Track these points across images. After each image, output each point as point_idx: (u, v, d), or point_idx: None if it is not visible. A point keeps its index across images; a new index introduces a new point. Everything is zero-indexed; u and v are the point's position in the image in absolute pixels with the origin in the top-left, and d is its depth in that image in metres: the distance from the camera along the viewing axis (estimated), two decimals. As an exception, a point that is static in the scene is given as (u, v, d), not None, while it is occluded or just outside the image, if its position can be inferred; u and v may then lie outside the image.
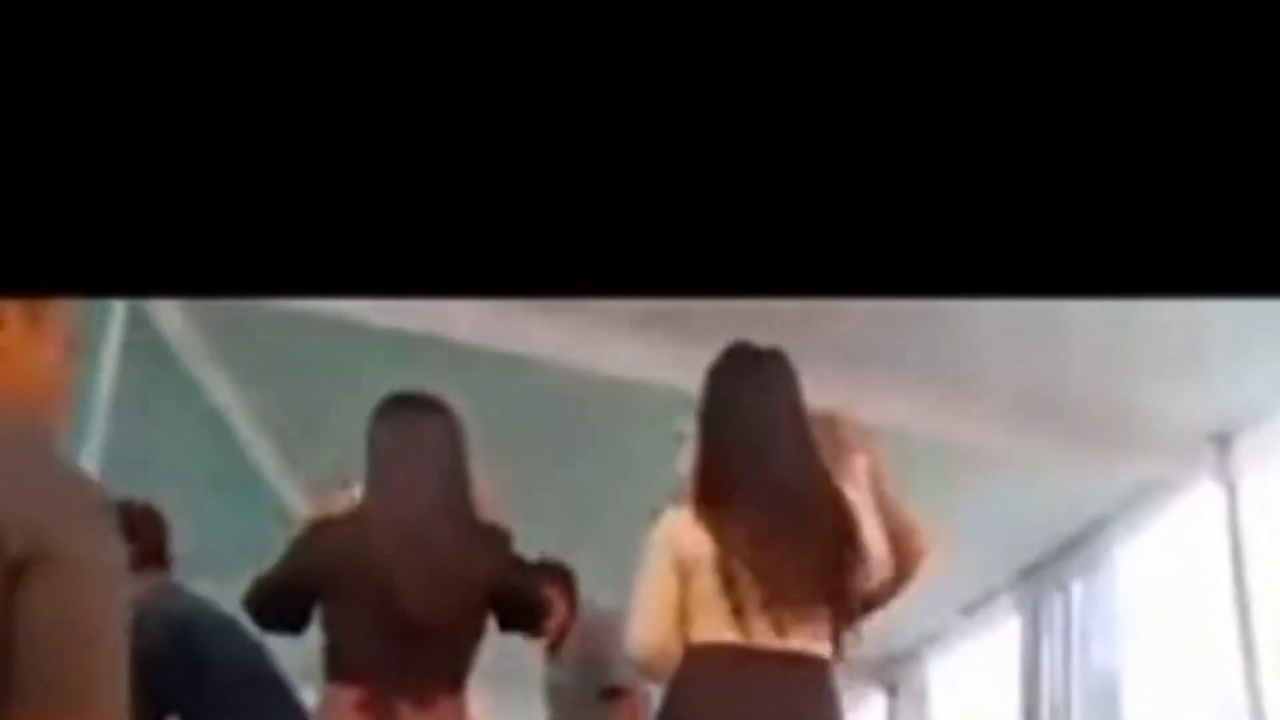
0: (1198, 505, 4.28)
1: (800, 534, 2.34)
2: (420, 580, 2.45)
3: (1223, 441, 4.13)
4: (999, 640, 5.69)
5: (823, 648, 2.35)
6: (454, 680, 2.51)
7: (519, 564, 2.64)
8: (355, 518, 2.57)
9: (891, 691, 6.54)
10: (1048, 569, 5.22)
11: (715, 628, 2.31)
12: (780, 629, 2.30)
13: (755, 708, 2.28)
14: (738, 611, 2.29)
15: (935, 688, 6.38)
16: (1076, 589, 5.04)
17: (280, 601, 2.56)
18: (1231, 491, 4.15)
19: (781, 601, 2.30)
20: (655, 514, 2.44)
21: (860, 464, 2.50)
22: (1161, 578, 4.71)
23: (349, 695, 2.42)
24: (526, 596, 2.65)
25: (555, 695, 3.78)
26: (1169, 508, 4.47)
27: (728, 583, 2.30)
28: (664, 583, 2.34)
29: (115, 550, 1.17)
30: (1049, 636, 5.18)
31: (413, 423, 2.65)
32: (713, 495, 2.38)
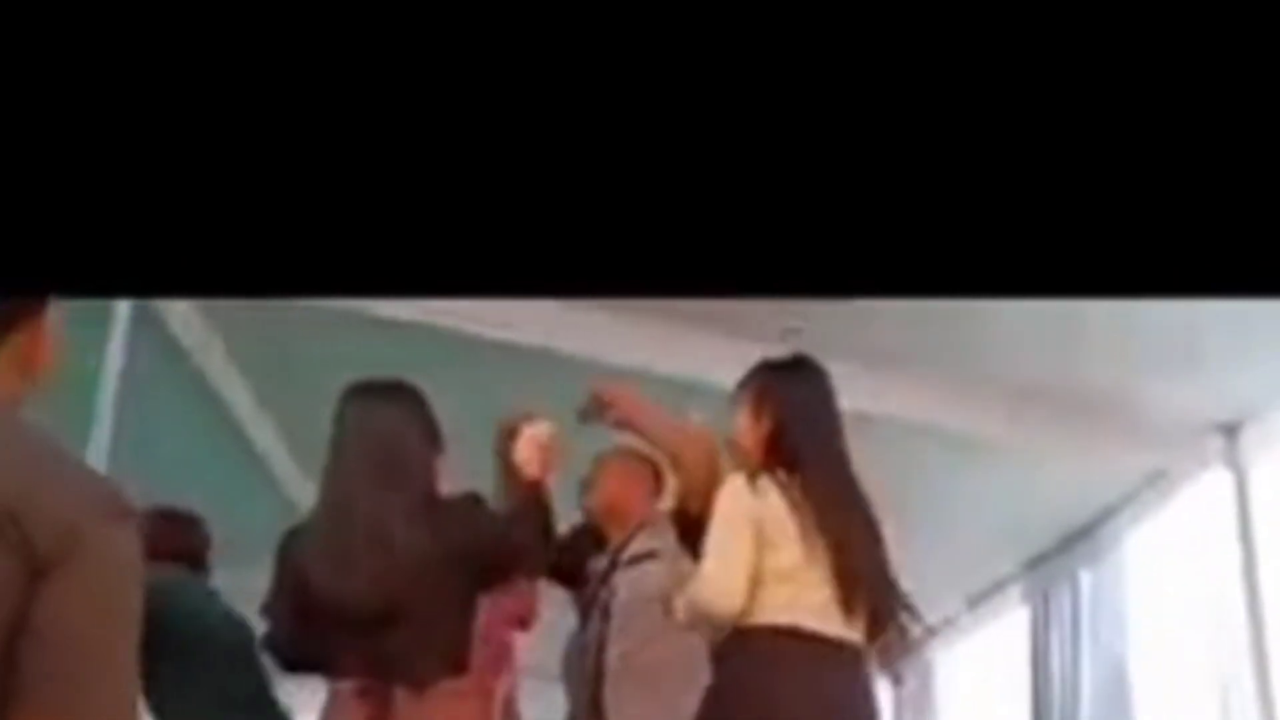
0: (1206, 494, 4.27)
1: (858, 513, 2.47)
2: (351, 570, 2.41)
3: (1230, 431, 4.12)
4: (1006, 630, 5.69)
5: (861, 634, 2.41)
6: (447, 663, 2.43)
7: (488, 521, 2.53)
8: (307, 523, 2.57)
9: (897, 681, 6.53)
10: (1055, 559, 5.21)
11: (786, 601, 2.35)
12: (848, 611, 2.37)
13: (804, 692, 2.31)
14: (813, 587, 2.36)
15: (942, 678, 6.38)
16: (1084, 579, 5.04)
17: (277, 621, 2.55)
18: (1240, 480, 4.14)
19: (853, 578, 2.38)
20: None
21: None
22: (1169, 567, 4.69)
23: (347, 686, 2.42)
24: (494, 552, 2.54)
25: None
26: (1177, 497, 4.46)
27: (809, 556, 2.37)
28: (744, 544, 2.38)
29: (135, 554, 1.19)
30: (1057, 626, 5.17)
31: (358, 412, 2.60)
32: (785, 463, 2.48)
